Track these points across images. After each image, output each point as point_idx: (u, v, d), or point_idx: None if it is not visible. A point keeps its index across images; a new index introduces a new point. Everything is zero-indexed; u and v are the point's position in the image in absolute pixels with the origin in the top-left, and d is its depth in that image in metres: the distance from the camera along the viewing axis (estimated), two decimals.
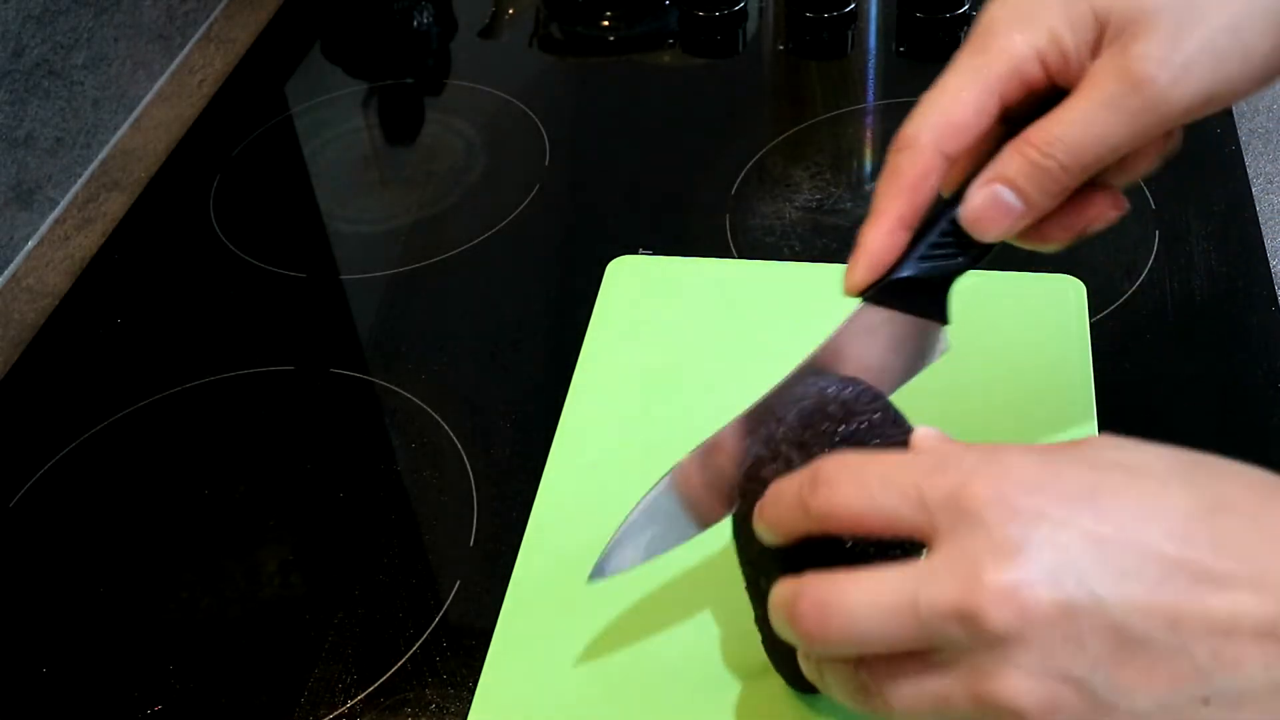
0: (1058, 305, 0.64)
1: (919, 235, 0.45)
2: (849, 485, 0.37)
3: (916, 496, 0.36)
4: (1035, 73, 0.43)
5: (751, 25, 0.94)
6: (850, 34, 0.91)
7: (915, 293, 0.45)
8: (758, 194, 0.77)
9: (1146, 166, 0.45)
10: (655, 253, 0.71)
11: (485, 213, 0.78)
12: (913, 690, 0.36)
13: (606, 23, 0.96)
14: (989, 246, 0.45)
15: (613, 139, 0.85)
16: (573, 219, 0.79)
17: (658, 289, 0.68)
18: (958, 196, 0.44)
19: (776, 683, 0.49)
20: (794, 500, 0.39)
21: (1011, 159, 0.43)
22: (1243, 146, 0.75)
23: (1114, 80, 0.41)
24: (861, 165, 0.80)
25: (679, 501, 0.48)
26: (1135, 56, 0.40)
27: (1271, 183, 0.73)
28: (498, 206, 0.79)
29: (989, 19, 0.44)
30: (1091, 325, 0.63)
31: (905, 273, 0.45)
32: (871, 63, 0.90)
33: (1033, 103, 0.43)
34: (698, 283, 0.68)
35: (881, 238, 0.44)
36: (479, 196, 0.80)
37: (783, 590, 0.38)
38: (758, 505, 0.41)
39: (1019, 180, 0.42)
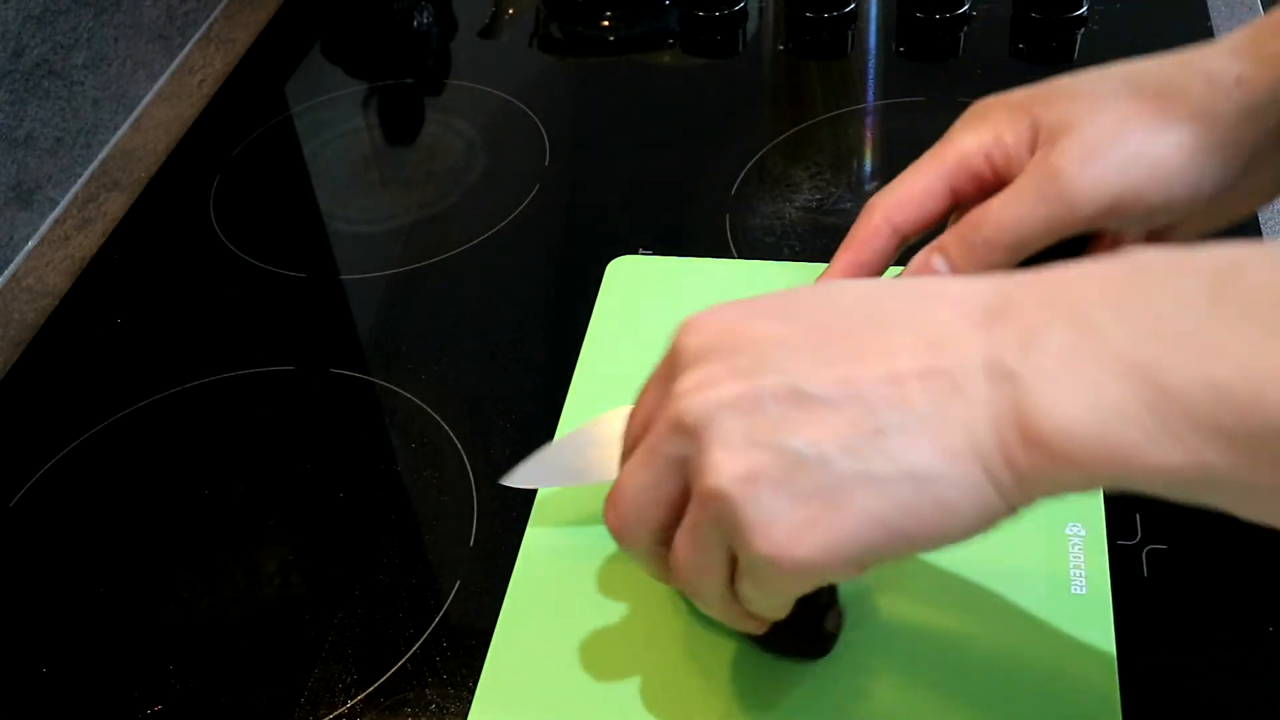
0: None
1: None
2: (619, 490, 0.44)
3: (644, 420, 0.43)
4: (981, 167, 0.50)
5: (751, 25, 0.94)
6: (850, 34, 0.91)
7: None
8: (758, 194, 0.77)
9: None
10: (655, 253, 0.71)
11: (485, 213, 0.78)
12: (682, 538, 0.41)
13: (606, 23, 0.96)
14: None
15: (613, 139, 0.85)
16: (573, 219, 0.79)
17: (658, 289, 0.68)
18: None
19: (777, 682, 0.49)
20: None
21: (950, 231, 0.50)
22: None
23: (1035, 170, 0.48)
24: (861, 165, 0.80)
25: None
26: (1055, 153, 0.47)
27: None
28: (498, 206, 0.79)
29: (953, 126, 0.52)
30: None
31: None
32: (871, 63, 0.90)
33: (984, 195, 0.50)
34: (698, 283, 0.68)
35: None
36: (479, 196, 0.80)
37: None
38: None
39: (951, 250, 0.50)
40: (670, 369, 0.41)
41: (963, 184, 0.51)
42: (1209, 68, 0.47)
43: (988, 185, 0.50)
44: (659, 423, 0.41)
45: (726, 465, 0.38)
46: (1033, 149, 0.49)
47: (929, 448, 0.36)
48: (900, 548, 0.37)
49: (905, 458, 0.36)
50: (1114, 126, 0.47)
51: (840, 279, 0.51)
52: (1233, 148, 0.47)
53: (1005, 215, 0.48)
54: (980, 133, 0.50)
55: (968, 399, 0.36)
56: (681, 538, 0.41)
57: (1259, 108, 0.46)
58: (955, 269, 0.49)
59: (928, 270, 0.50)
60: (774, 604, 0.42)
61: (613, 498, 0.43)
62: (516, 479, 0.56)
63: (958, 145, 0.51)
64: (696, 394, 0.39)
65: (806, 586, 0.40)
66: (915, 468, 0.36)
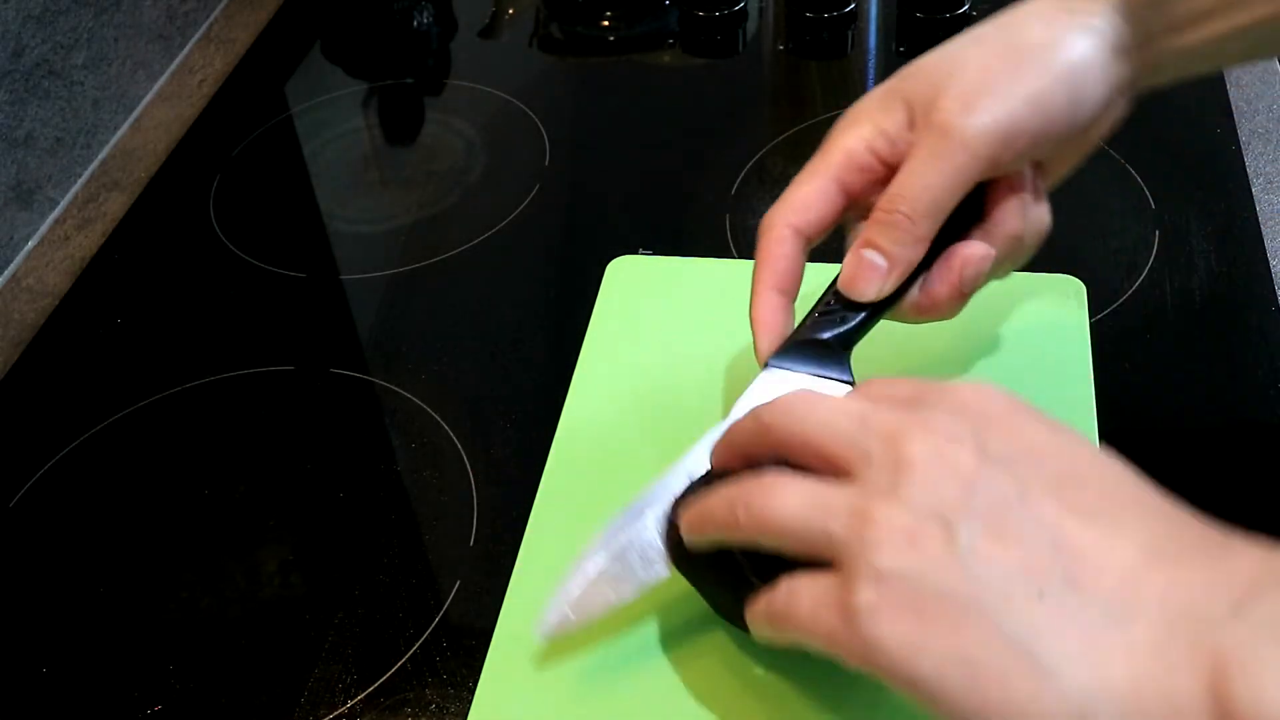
0: (1058, 305, 0.64)
1: (812, 309, 0.52)
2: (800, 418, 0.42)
3: (861, 425, 0.41)
4: (867, 159, 0.51)
5: (751, 25, 0.94)
6: (850, 34, 0.91)
7: (818, 355, 0.51)
8: (758, 194, 0.77)
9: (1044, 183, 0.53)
10: (655, 253, 0.71)
11: (485, 213, 0.78)
12: (804, 594, 0.39)
13: (606, 23, 0.96)
14: (875, 307, 0.51)
15: (613, 139, 0.85)
16: (573, 219, 0.79)
17: (658, 289, 0.68)
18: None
19: (778, 682, 0.49)
20: (750, 432, 0.44)
21: (869, 225, 0.50)
22: (1243, 146, 0.75)
23: (925, 136, 0.49)
24: None
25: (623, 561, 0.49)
26: (936, 113, 0.48)
27: (1271, 183, 0.73)
28: (498, 206, 0.79)
29: (830, 131, 0.52)
30: (1091, 325, 0.63)
31: (804, 336, 0.52)
32: (871, 63, 0.90)
33: (877, 186, 0.51)
34: (698, 283, 0.68)
35: (763, 307, 0.52)
36: (479, 196, 0.80)
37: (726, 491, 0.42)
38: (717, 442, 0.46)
39: (878, 239, 0.50)
40: (886, 465, 0.39)
41: (852, 180, 0.51)
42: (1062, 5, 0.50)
43: (877, 176, 0.51)
44: (860, 508, 0.38)
45: (901, 516, 0.37)
46: (912, 126, 0.50)
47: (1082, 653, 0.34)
48: (953, 709, 0.35)
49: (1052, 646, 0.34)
50: (980, 75, 0.48)
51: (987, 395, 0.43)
52: (1093, 72, 0.49)
53: (915, 183, 0.48)
54: (859, 127, 0.51)
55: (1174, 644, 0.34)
56: (804, 593, 0.39)
57: (1114, 41, 0.49)
58: (889, 257, 0.50)
59: (867, 268, 0.50)
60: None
61: (761, 495, 0.41)
62: (549, 624, 0.49)
63: (840, 144, 0.51)
64: (924, 441, 0.39)
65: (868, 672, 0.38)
66: (1050, 660, 0.34)
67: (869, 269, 0.50)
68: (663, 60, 0.93)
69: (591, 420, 0.61)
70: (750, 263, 0.70)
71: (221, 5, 1.01)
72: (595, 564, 0.48)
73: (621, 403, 0.62)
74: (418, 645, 0.55)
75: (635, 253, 0.71)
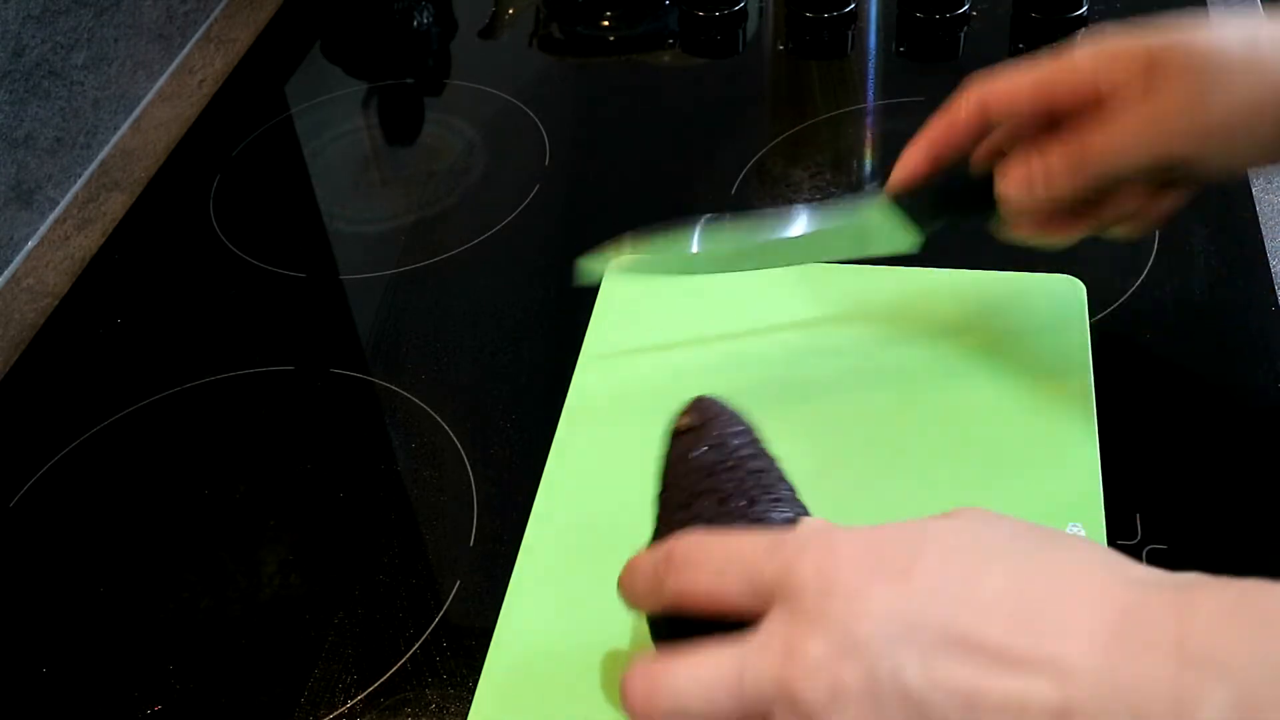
0: (1058, 305, 0.64)
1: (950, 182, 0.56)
2: (700, 569, 0.41)
3: (752, 578, 0.39)
4: (1088, 91, 0.51)
5: (751, 25, 0.94)
6: (850, 34, 0.91)
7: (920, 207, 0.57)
8: (758, 194, 0.77)
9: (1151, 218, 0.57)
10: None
11: (485, 213, 0.78)
12: None
13: (606, 23, 0.96)
14: (988, 212, 0.55)
15: (613, 139, 0.85)
16: (573, 219, 0.79)
17: (658, 288, 0.68)
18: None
19: None
20: (650, 578, 0.42)
21: (1054, 149, 0.52)
22: None
23: (1150, 118, 0.50)
24: (861, 165, 0.80)
25: None
26: (1168, 92, 0.49)
27: (1271, 183, 0.73)
28: (498, 206, 0.79)
29: (1076, 46, 0.53)
30: (1091, 325, 0.63)
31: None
32: (871, 63, 0.90)
33: (1080, 108, 0.52)
34: (698, 282, 0.68)
35: (913, 152, 0.56)
36: (479, 196, 0.80)
37: (625, 671, 0.41)
38: (619, 577, 0.44)
39: (1055, 167, 0.52)
40: (786, 596, 0.38)
41: (1062, 96, 0.52)
42: None
43: (1086, 104, 0.52)
44: (761, 677, 0.37)
45: None
46: (1146, 81, 0.50)
47: None
48: None
49: None
50: (1230, 114, 0.49)
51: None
52: None
53: (1118, 149, 0.51)
54: (1096, 60, 0.51)
55: None
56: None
57: None
58: (1053, 188, 0.52)
59: (1029, 181, 0.52)
60: None
61: (657, 682, 0.39)
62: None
63: (1073, 66, 0.52)
64: (822, 672, 0.36)
65: None
66: None
67: (1029, 183, 0.53)
68: (663, 60, 0.93)
69: (591, 420, 0.61)
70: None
71: (221, 5, 1.01)
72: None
73: (621, 402, 0.62)
74: (418, 645, 0.55)
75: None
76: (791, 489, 0.46)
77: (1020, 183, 0.53)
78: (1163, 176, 0.53)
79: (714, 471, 0.46)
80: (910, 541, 0.39)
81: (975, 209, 0.56)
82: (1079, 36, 0.54)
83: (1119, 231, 0.57)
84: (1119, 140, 0.51)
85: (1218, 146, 0.50)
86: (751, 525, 0.43)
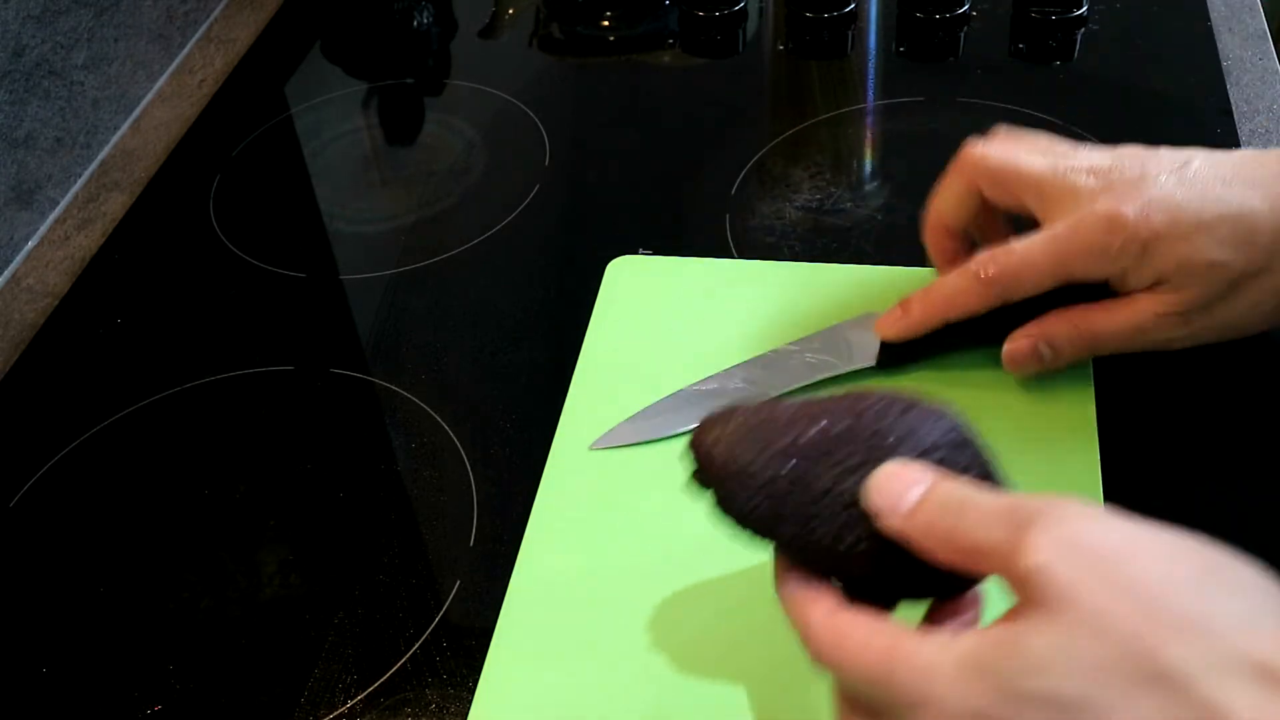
0: None
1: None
2: (962, 517, 0.39)
3: (1009, 555, 0.36)
4: (1106, 267, 0.54)
5: (751, 25, 0.94)
6: (850, 34, 0.91)
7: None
8: (758, 194, 0.77)
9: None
10: (655, 253, 0.71)
11: (485, 213, 0.78)
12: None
13: (606, 23, 0.96)
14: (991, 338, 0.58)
15: (613, 139, 0.85)
16: (573, 219, 0.79)
17: (658, 289, 0.68)
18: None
19: (776, 682, 0.49)
20: (906, 497, 0.41)
21: (1059, 326, 0.56)
22: (1242, 147, 0.75)
23: (1154, 316, 0.53)
24: (861, 165, 0.80)
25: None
26: (1176, 305, 0.53)
27: None
28: (498, 206, 0.79)
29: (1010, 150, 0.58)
30: None
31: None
32: (871, 63, 0.90)
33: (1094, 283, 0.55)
34: (698, 283, 0.68)
35: (921, 310, 0.58)
36: (479, 196, 0.80)
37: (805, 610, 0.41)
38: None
39: (1060, 342, 0.56)
40: (1046, 601, 0.35)
41: (1080, 276, 0.54)
42: None
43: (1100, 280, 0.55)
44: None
45: None
46: (1161, 284, 0.53)
47: None
48: None
49: None
50: (1248, 312, 0.53)
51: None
52: None
53: (1121, 331, 0.55)
54: (1114, 264, 0.53)
55: None
56: None
57: None
58: (1059, 360, 0.57)
59: (1034, 357, 0.56)
60: None
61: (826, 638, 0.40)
62: (606, 440, 0.60)
63: (1095, 242, 0.53)
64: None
65: None
66: None
67: (1035, 358, 0.57)
68: (663, 60, 0.93)
69: (592, 420, 0.61)
70: (750, 263, 0.71)
71: (221, 5, 1.01)
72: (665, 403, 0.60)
73: (622, 403, 0.62)
74: (418, 645, 0.55)
75: (635, 253, 0.71)
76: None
77: (1027, 357, 0.57)
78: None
79: (859, 438, 0.43)
80: (1195, 564, 0.36)
81: (968, 343, 0.60)
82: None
83: None
84: (1120, 333, 0.55)
85: (1231, 333, 0.55)
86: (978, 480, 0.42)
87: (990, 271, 0.55)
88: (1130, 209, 0.51)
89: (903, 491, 0.40)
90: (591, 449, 0.59)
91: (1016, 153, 0.56)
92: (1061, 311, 0.56)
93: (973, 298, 0.56)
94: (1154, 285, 0.53)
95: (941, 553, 0.39)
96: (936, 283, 0.58)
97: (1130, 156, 0.54)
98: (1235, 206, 0.51)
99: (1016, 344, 0.57)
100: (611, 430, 0.60)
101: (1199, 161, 0.53)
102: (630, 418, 0.60)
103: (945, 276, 0.57)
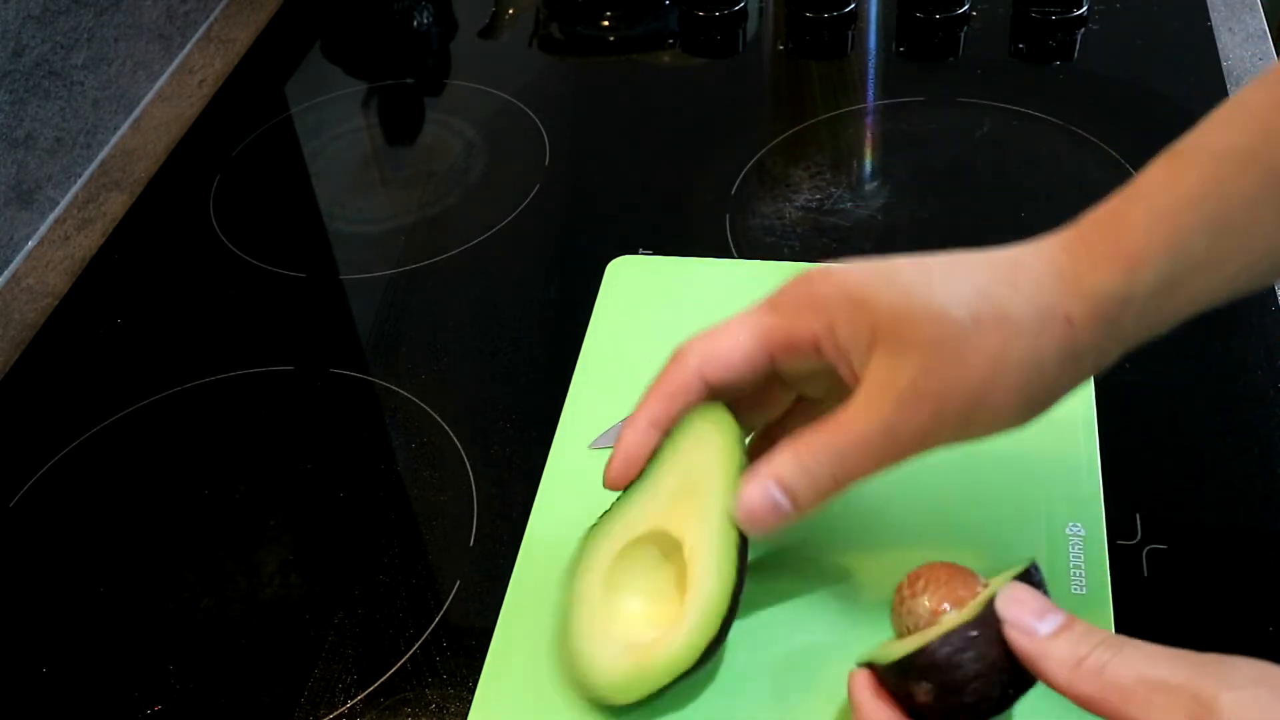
0: None
1: None
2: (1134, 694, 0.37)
3: None
4: (809, 350, 0.47)
5: (751, 25, 0.94)
6: (850, 34, 0.91)
7: None
8: (758, 194, 0.77)
9: None
10: (655, 253, 0.71)
11: (485, 213, 0.78)
12: None
13: (606, 23, 0.96)
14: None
15: (613, 139, 0.85)
16: (573, 219, 0.79)
17: (658, 289, 0.68)
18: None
19: (780, 685, 0.49)
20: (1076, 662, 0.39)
21: (785, 459, 0.46)
22: None
23: (889, 404, 0.44)
24: (861, 165, 0.80)
25: None
26: (907, 383, 0.43)
27: None
28: (498, 206, 0.79)
29: (784, 292, 0.48)
30: None
31: None
32: (871, 63, 0.90)
33: (808, 372, 0.48)
34: (698, 283, 0.68)
35: (635, 435, 0.49)
36: (479, 196, 0.80)
37: None
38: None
39: (791, 480, 0.46)
40: None
41: (784, 358, 0.48)
42: (1039, 302, 0.43)
43: (809, 364, 0.48)
44: None
45: None
46: (869, 352, 0.45)
47: None
48: None
49: None
50: (957, 365, 0.43)
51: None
52: (1057, 377, 0.44)
53: (858, 452, 0.45)
54: (817, 316, 0.46)
55: None
56: None
57: (1081, 351, 0.44)
58: (797, 504, 0.46)
59: (769, 507, 0.46)
60: None
61: None
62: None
63: (792, 322, 0.47)
64: None
65: None
66: None
67: (771, 508, 0.46)
68: (663, 60, 0.93)
69: (591, 420, 0.61)
70: (750, 263, 0.71)
71: (221, 5, 1.01)
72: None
73: (622, 403, 0.62)
74: (418, 645, 0.55)
75: (635, 253, 0.71)
76: None
77: (765, 511, 0.46)
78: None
79: None
80: None
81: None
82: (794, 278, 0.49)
83: None
84: (857, 444, 0.45)
85: (983, 415, 0.45)
86: None
87: (689, 363, 0.49)
88: (828, 273, 0.47)
89: (1037, 614, 0.41)
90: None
91: (729, 325, 0.49)
92: (789, 440, 0.46)
93: (676, 401, 0.49)
94: (869, 363, 0.45)
95: (1088, 686, 0.38)
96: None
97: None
98: (946, 263, 0.45)
99: (747, 498, 0.46)
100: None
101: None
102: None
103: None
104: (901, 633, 0.46)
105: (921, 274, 0.45)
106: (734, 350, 0.48)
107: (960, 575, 0.45)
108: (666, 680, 0.47)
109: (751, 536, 0.47)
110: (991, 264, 0.45)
